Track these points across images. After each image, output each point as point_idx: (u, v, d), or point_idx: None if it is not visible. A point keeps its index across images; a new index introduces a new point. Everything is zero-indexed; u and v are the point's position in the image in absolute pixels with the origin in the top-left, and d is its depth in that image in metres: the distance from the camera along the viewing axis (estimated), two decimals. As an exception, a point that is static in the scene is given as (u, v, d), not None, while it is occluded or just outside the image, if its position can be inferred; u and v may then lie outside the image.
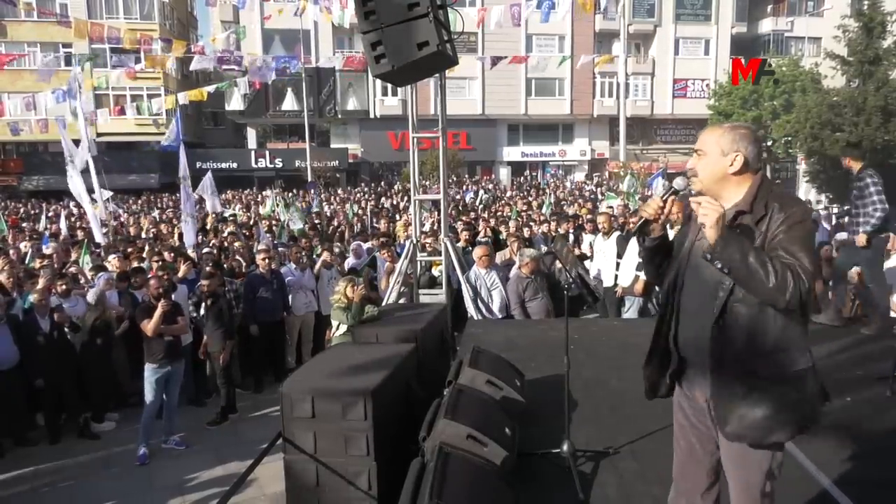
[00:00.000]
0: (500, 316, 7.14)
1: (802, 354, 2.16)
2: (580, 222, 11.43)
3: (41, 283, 6.99)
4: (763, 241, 2.13)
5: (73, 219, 17.07)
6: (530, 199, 21.04)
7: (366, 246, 10.09)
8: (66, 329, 6.56)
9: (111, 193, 13.02)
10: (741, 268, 2.05)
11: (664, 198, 2.29)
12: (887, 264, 7.55)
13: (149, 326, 6.07)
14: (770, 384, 2.14)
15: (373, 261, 9.10)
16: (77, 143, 11.64)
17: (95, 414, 6.87)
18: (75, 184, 11.33)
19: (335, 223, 14.99)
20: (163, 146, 11.97)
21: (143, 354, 6.27)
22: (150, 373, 6.16)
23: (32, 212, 21.44)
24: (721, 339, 2.20)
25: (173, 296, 6.67)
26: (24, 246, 10.92)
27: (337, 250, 9.75)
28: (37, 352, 6.34)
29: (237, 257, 9.02)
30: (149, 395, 6.18)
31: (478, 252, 7.41)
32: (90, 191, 11.42)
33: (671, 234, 2.58)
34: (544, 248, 9.20)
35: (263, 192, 27.55)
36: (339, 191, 29.37)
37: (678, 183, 2.32)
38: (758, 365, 2.15)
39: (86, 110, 11.45)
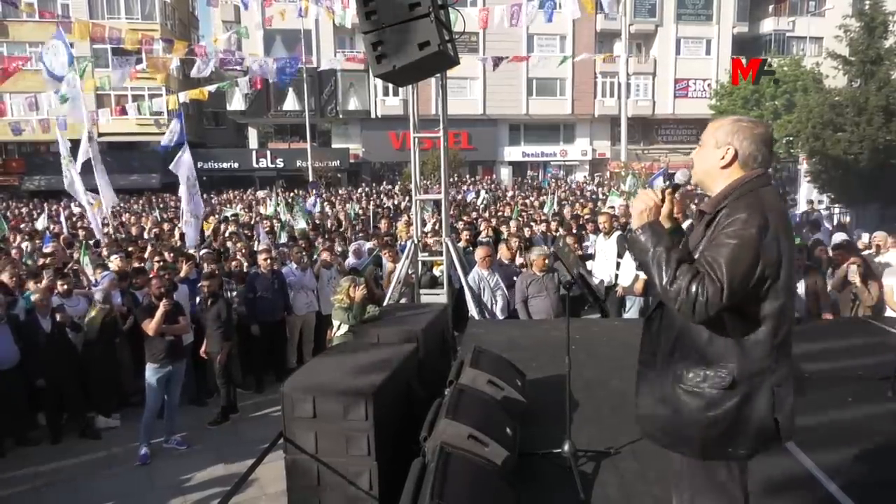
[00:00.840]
0: (502, 317, 7.14)
1: (727, 378, 2.02)
2: (581, 222, 11.43)
3: (44, 282, 7.00)
4: (706, 245, 2.07)
5: (73, 218, 17.09)
6: (531, 198, 21.04)
7: (367, 246, 10.10)
8: (67, 329, 6.56)
9: (115, 201, 13.04)
10: (646, 263, 2.05)
11: (663, 191, 2.29)
12: (881, 259, 7.59)
13: (150, 326, 6.08)
14: (685, 394, 2.08)
15: (378, 259, 9.10)
16: (74, 142, 11.63)
17: (103, 408, 6.90)
18: (73, 183, 11.32)
19: (333, 222, 15.00)
20: (162, 146, 11.94)
21: (144, 354, 6.27)
22: (151, 372, 6.16)
23: (36, 211, 21.42)
24: (652, 335, 2.22)
25: (174, 295, 6.67)
26: (27, 245, 10.94)
27: (339, 250, 9.77)
28: (38, 351, 6.35)
29: (238, 257, 9.03)
30: (150, 395, 6.18)
31: (480, 253, 7.42)
32: (93, 190, 11.43)
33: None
34: (543, 248, 9.20)
35: (258, 194, 27.49)
36: (341, 191, 29.39)
37: (678, 177, 2.34)
38: (681, 371, 2.10)
39: (77, 114, 11.43)
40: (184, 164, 10.60)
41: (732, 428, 2.03)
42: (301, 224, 13.39)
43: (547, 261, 7.16)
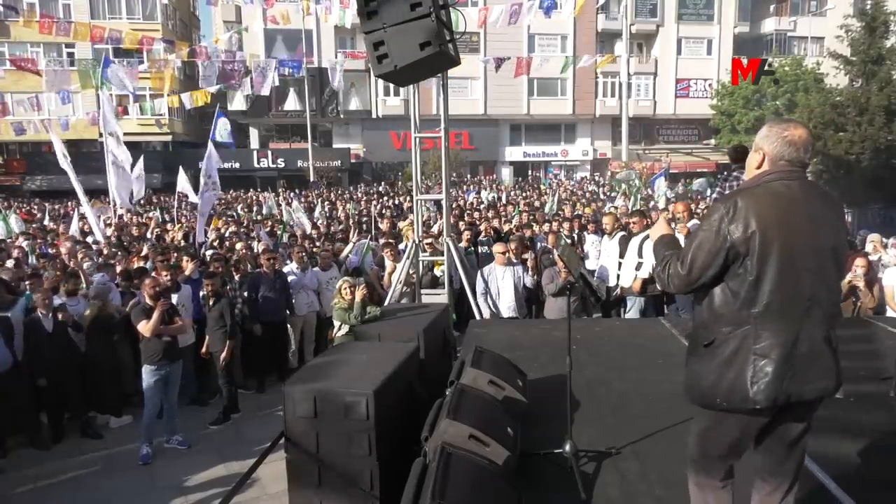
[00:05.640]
0: (506, 315, 7.15)
1: (710, 337, 2.32)
2: (582, 222, 11.43)
3: (46, 282, 6.99)
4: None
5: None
6: (532, 199, 21.03)
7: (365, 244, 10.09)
8: (69, 328, 6.56)
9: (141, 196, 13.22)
10: (655, 259, 2.60)
11: None
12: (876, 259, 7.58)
13: (147, 327, 6.01)
14: (692, 350, 2.45)
15: (381, 261, 9.09)
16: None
17: (112, 408, 6.92)
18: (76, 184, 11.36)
19: (336, 223, 15.00)
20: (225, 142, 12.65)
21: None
22: (148, 374, 6.12)
23: (60, 212, 21.34)
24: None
25: (177, 295, 6.65)
26: (28, 245, 10.96)
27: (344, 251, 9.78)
28: (40, 351, 6.35)
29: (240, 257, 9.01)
30: (148, 396, 6.14)
31: (497, 248, 7.53)
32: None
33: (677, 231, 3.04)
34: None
35: (262, 194, 27.46)
36: (343, 192, 29.37)
37: None
38: (693, 332, 2.49)
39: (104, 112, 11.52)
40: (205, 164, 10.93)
41: (716, 382, 2.29)
42: (305, 226, 13.37)
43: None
